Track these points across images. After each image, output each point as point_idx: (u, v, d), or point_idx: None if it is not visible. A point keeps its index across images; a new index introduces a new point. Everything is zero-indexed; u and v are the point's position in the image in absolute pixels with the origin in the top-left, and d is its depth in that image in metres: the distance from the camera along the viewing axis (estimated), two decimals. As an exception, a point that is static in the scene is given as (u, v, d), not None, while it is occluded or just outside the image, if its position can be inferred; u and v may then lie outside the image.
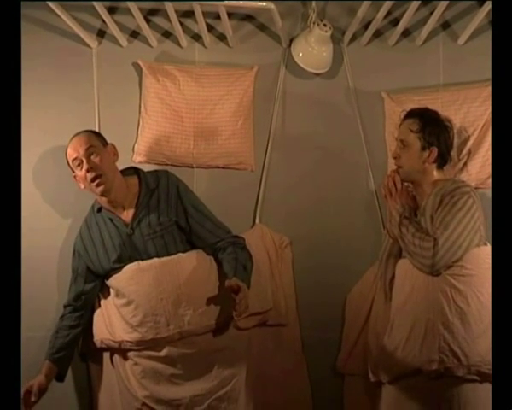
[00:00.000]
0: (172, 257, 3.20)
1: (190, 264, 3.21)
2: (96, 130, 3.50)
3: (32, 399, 3.08)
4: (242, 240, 3.32)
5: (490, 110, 3.43)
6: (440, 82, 3.66)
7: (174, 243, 3.24)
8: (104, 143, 3.26)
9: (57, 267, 3.51)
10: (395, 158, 3.30)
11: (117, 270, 3.23)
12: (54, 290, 3.49)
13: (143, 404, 3.16)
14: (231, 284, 3.03)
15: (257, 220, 3.59)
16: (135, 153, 3.61)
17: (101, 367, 3.36)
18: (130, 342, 3.18)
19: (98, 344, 3.28)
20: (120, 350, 3.24)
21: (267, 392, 3.34)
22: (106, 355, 3.33)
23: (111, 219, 3.26)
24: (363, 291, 3.49)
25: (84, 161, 3.14)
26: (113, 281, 3.26)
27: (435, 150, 3.22)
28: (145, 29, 3.55)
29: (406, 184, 3.32)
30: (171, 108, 3.61)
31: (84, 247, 3.30)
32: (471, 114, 3.58)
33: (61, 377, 3.27)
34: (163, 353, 3.15)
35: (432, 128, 3.23)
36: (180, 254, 3.22)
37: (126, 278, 3.20)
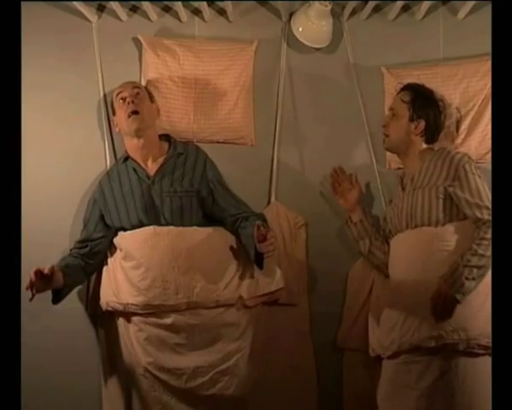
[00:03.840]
0: (189, 228, 3.23)
1: (207, 238, 3.24)
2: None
3: (46, 271, 2.98)
4: (264, 216, 3.35)
5: (489, 85, 3.44)
6: (440, 56, 3.67)
7: (190, 210, 3.27)
8: (152, 99, 3.42)
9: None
10: (384, 126, 3.34)
11: (129, 228, 3.24)
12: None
13: (146, 370, 3.17)
14: (260, 227, 3.03)
15: (272, 198, 3.58)
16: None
17: (109, 330, 3.33)
18: (136, 305, 3.18)
19: (104, 307, 3.27)
20: (125, 314, 3.23)
21: (271, 369, 3.35)
22: (113, 319, 3.30)
23: (134, 169, 3.32)
24: (364, 267, 3.49)
25: (128, 95, 3.31)
26: (124, 241, 3.26)
27: (422, 123, 3.24)
28: (145, 3, 3.54)
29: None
30: (171, 82, 3.60)
31: (102, 193, 3.34)
32: (471, 88, 3.58)
33: (58, 296, 3.17)
34: (169, 321, 3.17)
35: (422, 102, 3.25)
36: (196, 227, 3.25)
37: (141, 241, 3.21)
